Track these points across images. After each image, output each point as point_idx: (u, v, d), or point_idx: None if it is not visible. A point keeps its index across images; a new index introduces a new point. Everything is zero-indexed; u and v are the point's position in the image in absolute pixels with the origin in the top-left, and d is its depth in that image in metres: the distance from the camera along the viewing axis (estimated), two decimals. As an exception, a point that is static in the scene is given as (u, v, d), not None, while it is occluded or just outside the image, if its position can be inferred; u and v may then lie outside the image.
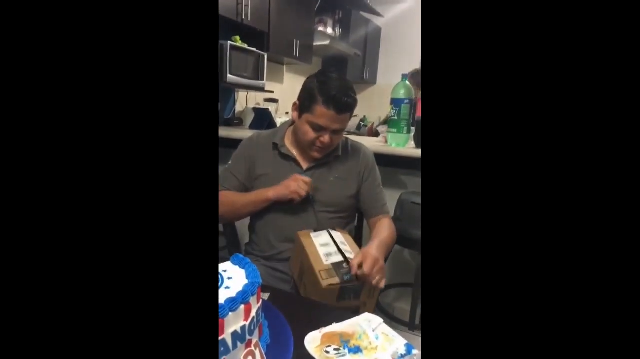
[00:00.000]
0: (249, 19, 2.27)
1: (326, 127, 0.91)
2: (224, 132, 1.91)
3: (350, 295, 0.79)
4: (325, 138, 0.93)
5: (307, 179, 0.93)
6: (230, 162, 1.05)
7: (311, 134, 0.93)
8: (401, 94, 1.50)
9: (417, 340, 0.59)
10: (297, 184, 0.90)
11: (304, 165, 1.01)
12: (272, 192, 0.94)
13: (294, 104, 0.98)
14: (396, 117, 1.52)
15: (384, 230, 0.98)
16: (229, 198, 1.00)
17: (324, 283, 0.77)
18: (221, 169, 0.94)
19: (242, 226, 1.22)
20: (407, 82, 1.51)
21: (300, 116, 0.96)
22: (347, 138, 1.09)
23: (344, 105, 0.90)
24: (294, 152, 1.01)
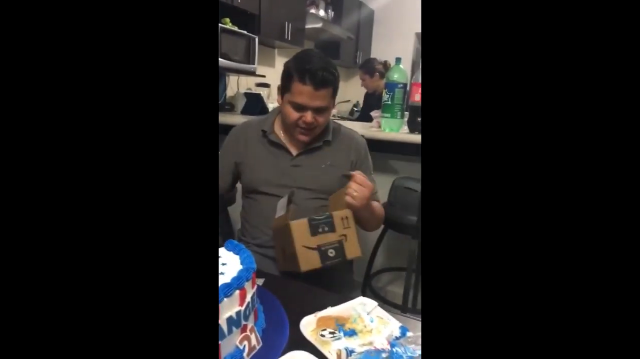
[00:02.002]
0: (239, 1, 2.21)
1: (305, 104, 0.90)
2: (215, 117, 1.87)
3: (322, 227, 0.79)
4: (307, 117, 0.91)
5: None
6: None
7: (293, 115, 0.92)
8: (395, 78, 1.48)
9: (411, 323, 0.60)
10: None
11: (294, 151, 1.00)
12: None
13: (278, 87, 0.97)
14: (390, 102, 1.51)
15: (375, 204, 1.00)
16: None
17: (293, 223, 0.77)
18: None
19: (235, 212, 1.21)
20: (401, 67, 1.50)
21: (282, 98, 0.95)
22: (339, 124, 1.08)
23: (320, 79, 0.88)
24: (283, 139, 1.00)
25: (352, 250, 0.81)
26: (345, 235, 0.81)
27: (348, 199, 0.84)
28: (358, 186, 0.85)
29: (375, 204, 1.02)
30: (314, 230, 0.79)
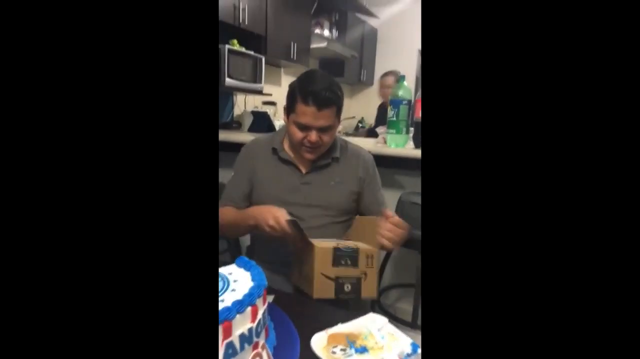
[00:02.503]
0: (246, 23, 2.28)
1: (309, 124, 0.91)
2: (222, 135, 1.91)
3: (346, 260, 0.78)
4: (312, 137, 0.92)
5: (282, 214, 0.85)
6: (232, 174, 1.05)
7: (298, 134, 0.93)
8: (399, 94, 1.51)
9: (422, 339, 0.60)
10: (278, 217, 0.84)
11: (303, 169, 1.01)
12: (253, 221, 0.90)
13: (284, 108, 0.99)
14: (395, 118, 1.53)
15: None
16: (227, 216, 0.98)
17: (318, 247, 0.76)
18: (222, 177, 0.93)
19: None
20: (405, 84, 1.52)
21: (288, 118, 0.97)
22: (345, 141, 1.09)
23: (323, 100, 0.89)
24: (293, 157, 1.02)
25: (369, 289, 0.80)
26: (365, 273, 0.80)
27: (382, 241, 0.81)
28: (393, 228, 0.81)
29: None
30: (337, 261, 0.78)
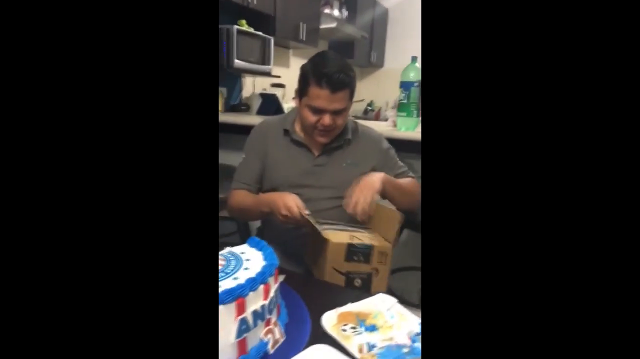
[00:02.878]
0: (255, 2, 2.23)
1: (323, 108, 0.90)
2: (231, 118, 1.91)
3: (359, 256, 0.79)
4: (326, 120, 0.91)
5: (299, 204, 0.86)
6: (243, 156, 1.05)
7: (311, 118, 0.93)
8: (410, 76, 1.48)
9: (431, 319, 0.61)
10: (291, 207, 0.85)
11: (316, 152, 1.01)
12: (267, 208, 0.92)
13: (295, 91, 0.98)
14: (406, 101, 1.51)
15: (405, 181, 1.02)
16: (240, 199, 1.00)
17: (332, 242, 0.78)
18: (232, 160, 0.94)
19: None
20: (417, 65, 1.49)
21: (300, 101, 0.96)
22: (356, 122, 1.08)
23: (337, 82, 0.88)
24: (305, 138, 1.01)
25: (379, 285, 0.81)
26: (377, 269, 0.81)
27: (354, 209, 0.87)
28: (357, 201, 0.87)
29: (405, 180, 1.03)
30: (349, 256, 0.79)
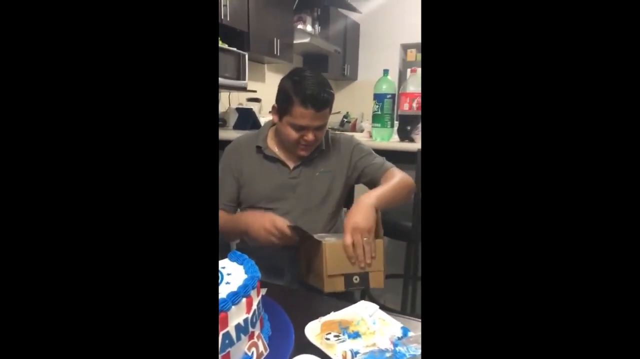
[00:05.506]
0: (228, 19, 2.26)
1: (307, 126, 0.92)
2: (208, 133, 1.89)
3: (356, 279, 0.81)
4: (309, 136, 0.93)
5: (280, 224, 0.84)
6: (218, 177, 1.04)
7: (294, 135, 0.94)
8: (383, 89, 1.53)
9: (412, 323, 0.62)
10: (276, 222, 0.84)
11: (290, 164, 1.02)
12: (244, 227, 0.90)
13: (273, 107, 0.99)
14: (379, 112, 1.55)
15: (389, 180, 0.97)
16: (220, 220, 0.97)
17: (326, 243, 0.79)
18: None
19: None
20: (389, 78, 1.55)
21: (280, 119, 0.96)
22: (328, 131, 1.10)
23: (322, 101, 0.90)
24: (279, 153, 1.02)
25: (377, 281, 0.83)
26: (371, 264, 0.83)
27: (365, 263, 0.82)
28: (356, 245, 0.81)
29: (392, 182, 0.98)
30: (348, 283, 0.81)
